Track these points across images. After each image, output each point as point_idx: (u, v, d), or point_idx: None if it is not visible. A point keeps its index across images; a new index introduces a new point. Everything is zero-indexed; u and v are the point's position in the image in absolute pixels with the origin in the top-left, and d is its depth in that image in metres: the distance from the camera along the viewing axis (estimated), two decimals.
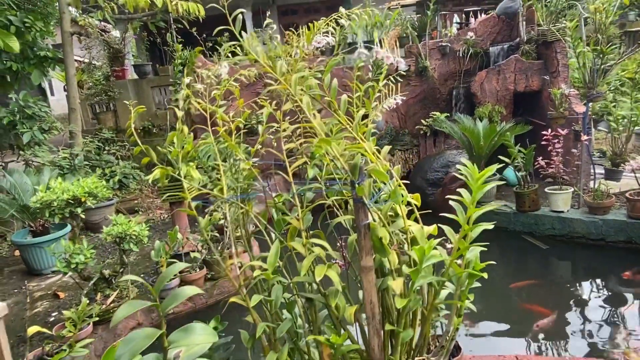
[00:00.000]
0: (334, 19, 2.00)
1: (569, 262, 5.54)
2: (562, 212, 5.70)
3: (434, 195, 7.23)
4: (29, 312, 4.78)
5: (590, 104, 5.52)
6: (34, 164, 7.42)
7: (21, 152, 7.21)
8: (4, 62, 7.40)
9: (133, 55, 14.26)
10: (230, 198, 2.05)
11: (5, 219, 6.03)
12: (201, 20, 7.98)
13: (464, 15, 12.62)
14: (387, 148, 2.23)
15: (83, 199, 4.04)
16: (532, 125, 6.69)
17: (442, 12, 14.14)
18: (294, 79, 1.75)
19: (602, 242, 5.40)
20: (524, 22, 7.33)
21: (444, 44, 8.04)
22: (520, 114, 7.67)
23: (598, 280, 4.91)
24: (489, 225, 1.99)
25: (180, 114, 1.99)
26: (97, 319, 3.97)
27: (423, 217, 2.01)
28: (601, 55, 4.86)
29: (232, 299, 1.84)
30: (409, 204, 1.95)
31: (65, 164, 6.98)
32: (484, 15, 8.56)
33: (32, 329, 2.94)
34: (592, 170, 5.73)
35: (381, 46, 1.94)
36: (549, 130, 5.61)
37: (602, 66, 4.94)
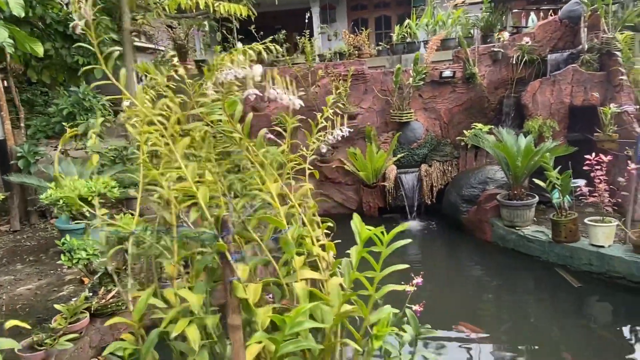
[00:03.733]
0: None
1: (604, 305, 4.92)
2: (603, 247, 5.05)
3: (468, 213, 6.76)
4: (56, 294, 5.21)
5: None
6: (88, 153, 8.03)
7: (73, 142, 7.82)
8: (72, 56, 8.10)
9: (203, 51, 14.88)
10: (135, 231, 2.03)
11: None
12: (255, 16, 7.99)
13: (542, 14, 11.62)
14: (306, 187, 2.08)
15: (90, 199, 4.26)
16: (581, 146, 5.98)
17: (515, 10, 13.15)
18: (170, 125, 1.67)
19: None
20: (586, 29, 6.54)
21: (496, 49, 7.44)
22: (577, 130, 6.90)
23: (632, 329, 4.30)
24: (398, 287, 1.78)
25: None
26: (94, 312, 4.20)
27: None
28: None
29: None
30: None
31: (110, 155, 7.47)
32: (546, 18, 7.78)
33: (10, 323, 3.16)
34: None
35: (273, 84, 1.79)
36: (592, 154, 4.99)
37: None
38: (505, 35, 7.48)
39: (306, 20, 8.74)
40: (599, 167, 4.84)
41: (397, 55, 10.05)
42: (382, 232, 1.88)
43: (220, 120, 1.91)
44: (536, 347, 4.10)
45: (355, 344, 1.71)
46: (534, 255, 5.68)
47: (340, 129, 2.42)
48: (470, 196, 6.77)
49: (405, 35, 10.09)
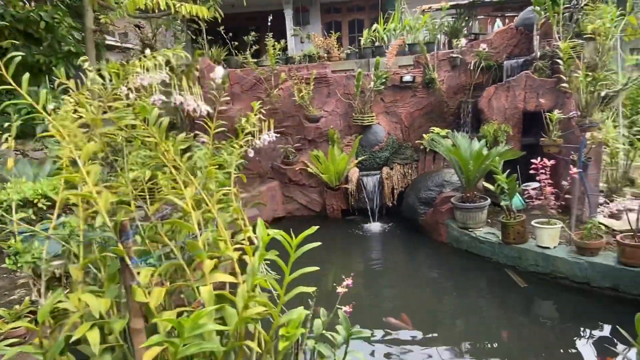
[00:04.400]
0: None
1: (548, 304, 5.08)
2: (548, 248, 5.23)
3: (425, 215, 6.90)
4: (7, 297, 5.09)
5: (587, 133, 5.00)
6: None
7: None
8: (34, 55, 7.92)
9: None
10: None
11: None
12: (222, 17, 7.94)
13: (507, 21, 11.93)
14: (233, 191, 2.11)
15: (36, 201, 4.20)
16: (534, 150, 6.17)
17: (481, 17, 13.45)
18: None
19: (586, 287, 4.90)
20: (539, 36, 6.76)
21: (454, 55, 7.61)
22: (531, 135, 7.11)
23: (572, 331, 4.46)
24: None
25: None
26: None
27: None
28: (594, 82, 4.36)
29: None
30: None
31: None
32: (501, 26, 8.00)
33: None
34: (586, 206, 5.20)
35: (181, 90, 1.82)
36: (538, 158, 5.16)
37: (596, 92, 4.44)
38: (463, 41, 7.66)
39: (268, 23, 8.74)
40: (543, 171, 5.01)
41: (366, 59, 10.16)
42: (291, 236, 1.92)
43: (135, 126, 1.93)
44: (485, 344, 4.21)
45: (253, 344, 1.75)
46: (485, 256, 5.83)
47: (267, 134, 2.46)
48: (428, 199, 6.91)
49: (374, 39, 10.23)
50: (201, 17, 7.95)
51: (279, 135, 2.34)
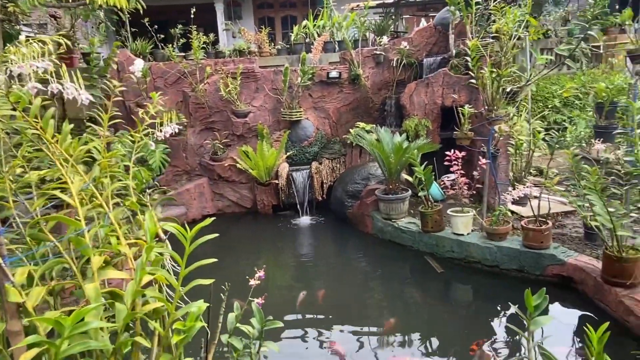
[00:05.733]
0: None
1: (463, 287, 5.42)
2: (462, 235, 5.55)
3: (352, 207, 7.08)
4: None
5: (496, 126, 5.36)
6: None
7: None
8: None
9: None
10: None
11: None
12: (144, 9, 7.60)
13: (431, 20, 12.44)
14: (129, 185, 2.04)
15: None
16: (452, 143, 6.52)
17: (407, 16, 13.95)
18: None
19: (496, 269, 5.27)
20: (454, 35, 7.13)
21: (378, 52, 7.84)
22: (449, 129, 7.50)
23: (484, 310, 4.78)
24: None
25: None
26: None
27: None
28: (498, 78, 4.68)
29: None
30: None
31: None
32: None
33: None
34: (496, 195, 5.58)
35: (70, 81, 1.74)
36: (452, 150, 5.46)
37: (501, 88, 4.77)
38: (385, 39, 7.91)
39: (192, 15, 8.52)
40: (456, 162, 5.31)
41: (297, 55, 10.20)
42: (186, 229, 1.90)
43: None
44: (408, 327, 4.41)
45: (143, 339, 1.72)
46: (407, 245, 6.09)
47: (169, 126, 2.41)
48: (354, 191, 7.09)
49: (305, 35, 10.29)
50: (119, 8, 7.60)
51: (181, 127, 2.29)
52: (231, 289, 2.69)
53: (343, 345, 4.10)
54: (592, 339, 2.03)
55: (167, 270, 2.34)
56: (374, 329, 4.43)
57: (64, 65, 1.83)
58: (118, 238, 1.91)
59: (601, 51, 7.43)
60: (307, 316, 4.71)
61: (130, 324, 1.95)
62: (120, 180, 2.12)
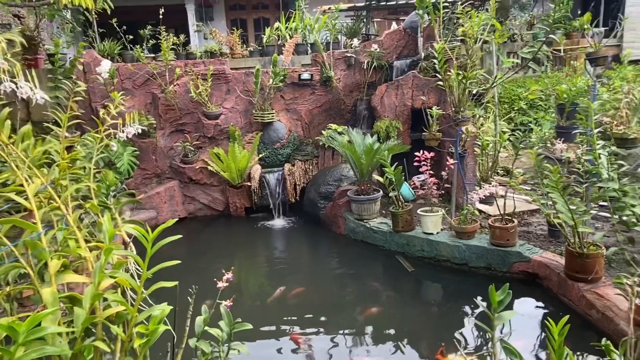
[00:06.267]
0: None
1: (433, 285, 5.51)
2: (432, 234, 5.65)
3: (325, 209, 7.10)
4: None
5: (463, 127, 5.48)
6: None
7: None
8: None
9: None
10: None
11: None
12: (112, 9, 7.44)
13: (401, 23, 12.61)
14: (92, 187, 2.00)
15: None
16: (422, 144, 6.62)
17: (378, 19, 14.12)
18: None
19: (465, 267, 5.38)
20: (423, 38, 7.26)
21: (349, 54, 7.91)
22: (419, 130, 7.62)
23: (453, 308, 4.87)
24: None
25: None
26: None
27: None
28: (464, 80, 4.80)
29: None
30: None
31: None
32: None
33: None
34: (464, 194, 5.70)
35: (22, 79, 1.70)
36: (421, 151, 5.56)
37: (467, 90, 4.88)
38: (355, 41, 7.99)
39: (160, 16, 8.41)
40: (425, 162, 5.41)
41: (269, 56, 10.19)
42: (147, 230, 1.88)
43: None
44: (381, 326, 4.45)
45: (101, 344, 1.69)
46: (379, 244, 6.15)
47: (131, 126, 2.37)
48: (327, 193, 7.12)
49: (277, 37, 10.29)
50: (85, 8, 7.43)
51: (145, 127, 2.26)
52: (203, 292, 2.66)
53: (316, 343, 4.12)
54: (553, 332, 2.09)
55: (131, 274, 2.30)
56: (346, 329, 4.45)
57: (17, 64, 1.77)
58: (77, 241, 1.86)
59: (562, 54, 7.69)
60: (280, 317, 4.70)
61: (93, 329, 1.91)
62: (81, 181, 2.07)
